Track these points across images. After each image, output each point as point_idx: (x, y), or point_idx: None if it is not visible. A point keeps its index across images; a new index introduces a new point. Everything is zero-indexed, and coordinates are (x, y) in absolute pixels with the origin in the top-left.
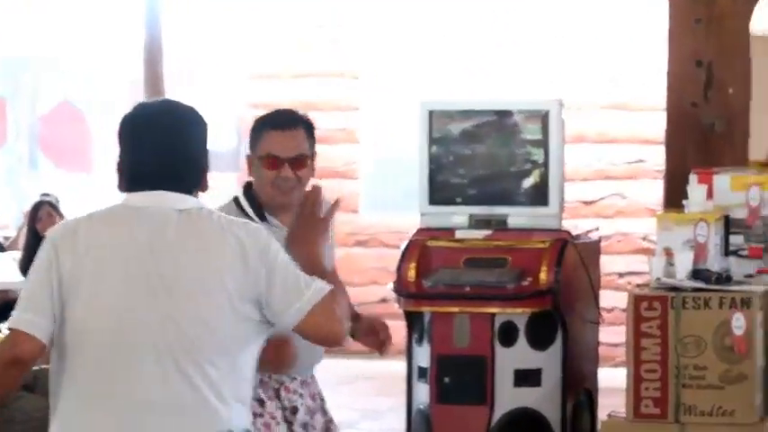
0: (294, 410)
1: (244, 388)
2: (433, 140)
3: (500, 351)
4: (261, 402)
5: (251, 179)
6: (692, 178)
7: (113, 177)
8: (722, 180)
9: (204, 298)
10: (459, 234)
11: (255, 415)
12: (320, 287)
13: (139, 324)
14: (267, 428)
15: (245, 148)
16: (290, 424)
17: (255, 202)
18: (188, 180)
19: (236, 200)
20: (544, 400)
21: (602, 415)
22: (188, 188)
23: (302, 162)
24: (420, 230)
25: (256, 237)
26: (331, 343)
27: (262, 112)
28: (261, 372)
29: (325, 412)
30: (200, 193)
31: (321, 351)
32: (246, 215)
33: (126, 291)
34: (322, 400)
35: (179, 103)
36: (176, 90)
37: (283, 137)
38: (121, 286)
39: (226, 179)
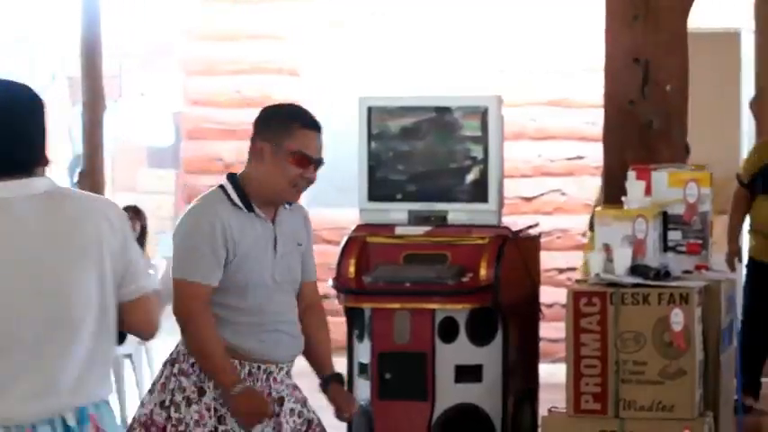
0: (281, 401)
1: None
2: (372, 137)
3: (440, 347)
4: None
5: (235, 172)
6: (631, 175)
7: None
8: (660, 176)
9: (76, 276)
10: (398, 230)
11: None
12: (156, 283)
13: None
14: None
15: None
16: (276, 416)
17: (243, 192)
18: (30, 162)
19: (222, 188)
20: (485, 395)
21: (542, 410)
22: (31, 170)
23: (321, 166)
24: (359, 227)
25: (120, 214)
26: (142, 333)
27: (201, 109)
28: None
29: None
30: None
31: (302, 342)
32: (234, 204)
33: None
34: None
35: (10, 82)
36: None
37: (316, 138)
38: None
39: (165, 176)
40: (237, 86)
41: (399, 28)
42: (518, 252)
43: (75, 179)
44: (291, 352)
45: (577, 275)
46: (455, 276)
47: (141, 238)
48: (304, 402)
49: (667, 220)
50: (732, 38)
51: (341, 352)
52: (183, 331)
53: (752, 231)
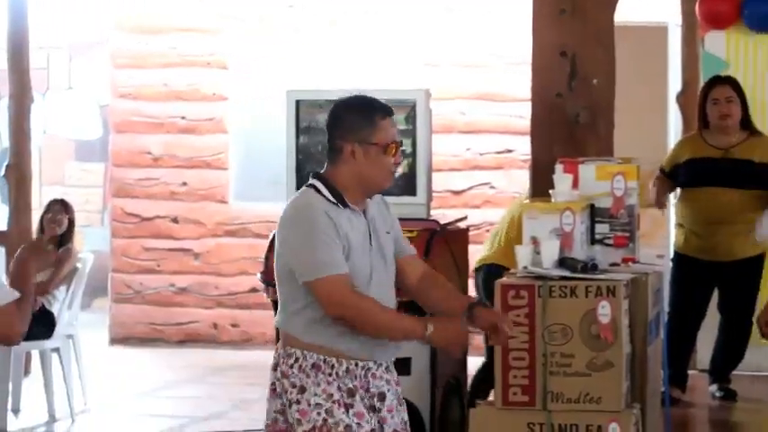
0: (382, 397)
1: None
2: (300, 130)
3: None
4: (350, 392)
5: (320, 170)
6: (558, 168)
7: None
8: (587, 170)
9: None
10: None
11: (346, 405)
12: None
13: None
14: (359, 418)
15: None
16: (377, 411)
17: (335, 189)
18: None
19: (313, 187)
20: (413, 388)
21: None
22: None
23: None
24: None
25: None
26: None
27: (129, 102)
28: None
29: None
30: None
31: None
32: (330, 202)
33: None
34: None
35: None
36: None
37: (392, 122)
38: None
39: (93, 169)
40: (166, 79)
41: (327, 21)
42: (446, 245)
43: (2, 173)
44: (391, 352)
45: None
46: None
47: (69, 232)
48: (401, 400)
49: (594, 213)
50: (659, 32)
51: (270, 345)
52: (352, 321)
53: (677, 225)
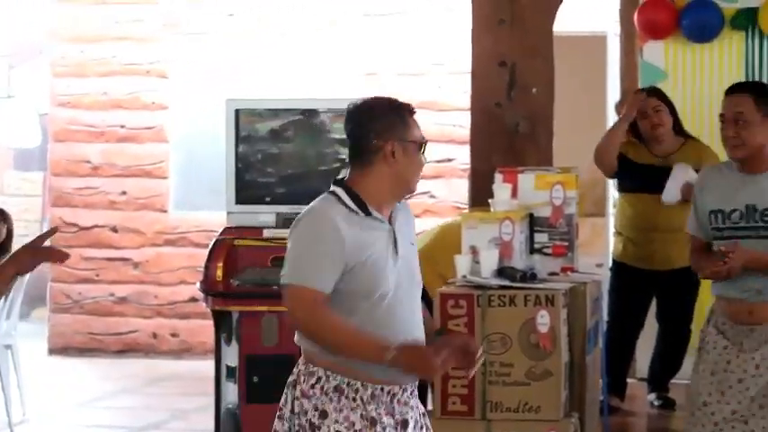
0: (405, 424)
1: None
2: (240, 139)
3: None
4: (372, 422)
5: (341, 176)
6: (498, 177)
7: None
8: (526, 179)
9: None
10: (266, 233)
11: None
12: None
13: None
14: None
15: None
16: None
17: (358, 197)
18: None
19: (334, 194)
20: None
21: None
22: None
23: None
24: (227, 229)
25: None
26: None
27: (69, 111)
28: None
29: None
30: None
31: None
32: (350, 210)
33: None
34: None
35: None
36: None
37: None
38: None
39: (31, 178)
40: (105, 88)
41: (267, 31)
42: None
43: None
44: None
45: None
46: None
47: (7, 242)
48: (424, 426)
49: (534, 223)
50: (598, 41)
51: (208, 356)
52: (309, 335)
53: (615, 233)
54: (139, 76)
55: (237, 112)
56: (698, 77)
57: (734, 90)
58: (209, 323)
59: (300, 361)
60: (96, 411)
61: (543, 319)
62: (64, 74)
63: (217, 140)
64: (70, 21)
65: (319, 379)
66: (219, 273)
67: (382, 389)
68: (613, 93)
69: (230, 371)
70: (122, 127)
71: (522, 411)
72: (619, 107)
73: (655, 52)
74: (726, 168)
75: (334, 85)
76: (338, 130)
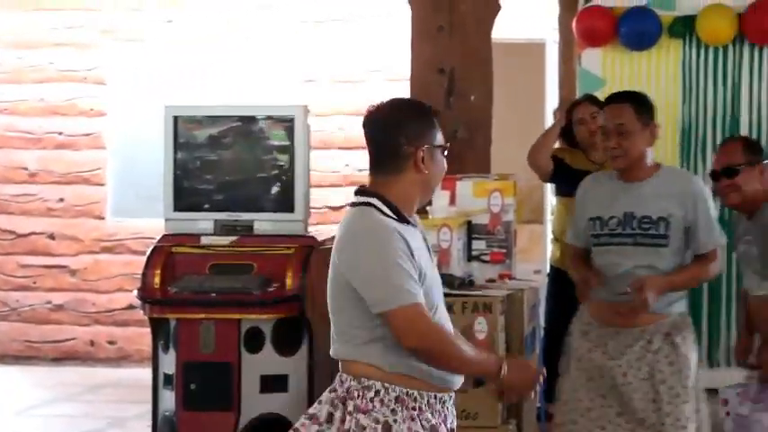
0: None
1: None
2: (178, 146)
3: (246, 357)
4: (433, 429)
5: (365, 185)
6: None
7: None
8: (465, 186)
9: None
10: (204, 240)
11: None
12: None
13: None
14: None
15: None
16: None
17: (392, 204)
18: None
19: (371, 205)
20: (290, 405)
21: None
22: None
23: None
24: (165, 237)
25: None
26: None
27: (6, 117)
28: None
29: None
30: None
31: None
32: (394, 219)
33: None
34: None
35: None
36: None
37: None
38: None
39: None
40: (42, 94)
41: (206, 38)
42: (324, 262)
43: None
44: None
45: None
46: (261, 286)
47: None
48: None
49: (472, 230)
50: (537, 48)
51: (146, 363)
52: (431, 350)
53: (553, 240)
54: (77, 82)
55: (176, 118)
56: (636, 85)
57: (614, 100)
58: (147, 331)
59: (344, 378)
60: (33, 420)
61: (481, 326)
62: (0, 80)
63: (155, 147)
64: (7, 27)
65: (378, 392)
66: (157, 280)
67: (435, 396)
68: (552, 100)
69: (167, 378)
70: (60, 134)
71: (460, 418)
72: (557, 114)
73: (593, 60)
74: (605, 177)
75: (274, 93)
76: (277, 137)
